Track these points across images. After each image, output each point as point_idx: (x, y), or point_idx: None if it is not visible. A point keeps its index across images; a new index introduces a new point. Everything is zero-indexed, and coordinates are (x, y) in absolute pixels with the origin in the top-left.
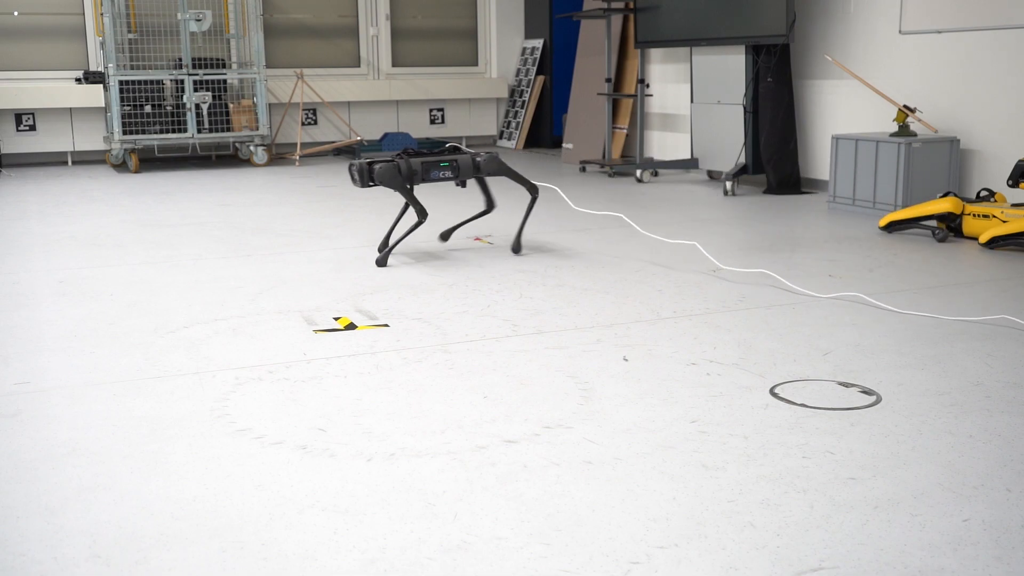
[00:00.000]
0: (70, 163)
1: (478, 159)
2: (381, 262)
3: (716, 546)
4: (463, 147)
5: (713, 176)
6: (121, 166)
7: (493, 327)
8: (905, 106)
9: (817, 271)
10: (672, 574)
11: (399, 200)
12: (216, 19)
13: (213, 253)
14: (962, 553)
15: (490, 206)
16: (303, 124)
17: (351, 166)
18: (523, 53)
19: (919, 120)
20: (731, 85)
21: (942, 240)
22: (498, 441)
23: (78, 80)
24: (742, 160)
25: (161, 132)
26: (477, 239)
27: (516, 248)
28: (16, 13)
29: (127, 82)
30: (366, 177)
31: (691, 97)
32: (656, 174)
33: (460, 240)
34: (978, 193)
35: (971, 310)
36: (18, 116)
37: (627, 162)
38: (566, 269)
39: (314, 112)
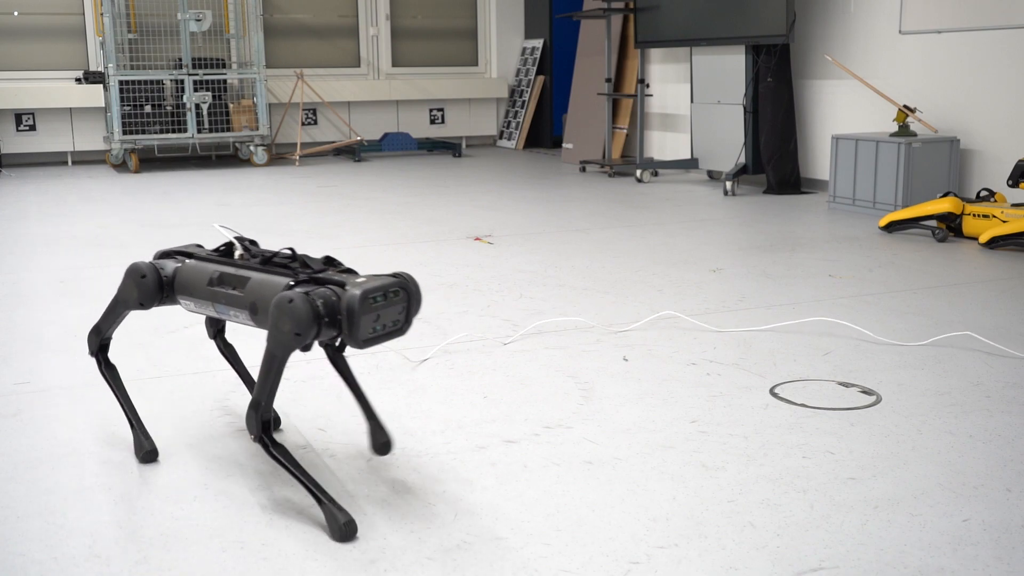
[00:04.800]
0: (70, 163)
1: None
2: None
3: (716, 546)
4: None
5: (713, 176)
6: (121, 166)
7: (493, 327)
8: (905, 106)
9: (817, 271)
10: (672, 574)
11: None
12: (216, 19)
13: None
14: (962, 553)
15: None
16: (303, 124)
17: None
18: (523, 53)
19: (919, 120)
20: (731, 85)
21: (942, 240)
22: (498, 441)
23: (78, 80)
24: (742, 160)
25: (161, 132)
26: (477, 239)
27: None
28: (16, 13)
29: (127, 82)
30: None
31: (691, 97)
32: (656, 174)
33: (460, 240)
34: (978, 193)
35: (971, 310)
36: (18, 116)
37: (627, 162)
38: (566, 269)
39: (314, 112)
